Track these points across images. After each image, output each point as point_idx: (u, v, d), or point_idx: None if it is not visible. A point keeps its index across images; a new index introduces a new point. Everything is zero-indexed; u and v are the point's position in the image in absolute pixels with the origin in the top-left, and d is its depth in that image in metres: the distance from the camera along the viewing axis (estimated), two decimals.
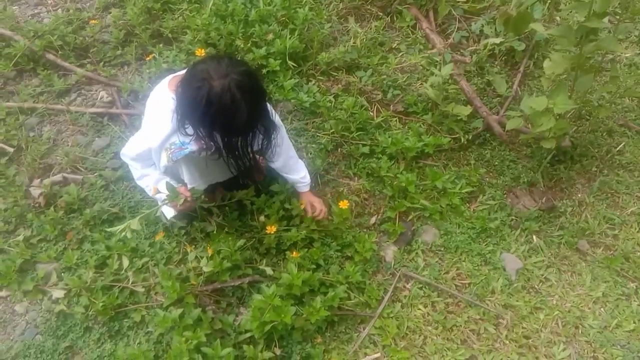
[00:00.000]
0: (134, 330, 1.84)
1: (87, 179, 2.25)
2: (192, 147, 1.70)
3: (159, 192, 1.80)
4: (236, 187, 2.07)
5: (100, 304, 1.81)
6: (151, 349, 1.74)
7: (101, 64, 2.73)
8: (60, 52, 2.70)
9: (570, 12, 3.23)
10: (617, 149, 2.82)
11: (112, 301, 1.84)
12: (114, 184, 2.24)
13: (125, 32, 2.85)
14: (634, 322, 2.10)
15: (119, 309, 1.86)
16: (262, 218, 2.08)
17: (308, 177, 2.20)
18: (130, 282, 1.90)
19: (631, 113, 3.02)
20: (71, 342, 1.80)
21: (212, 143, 1.67)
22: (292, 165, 2.14)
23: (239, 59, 1.83)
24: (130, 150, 1.85)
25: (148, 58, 2.68)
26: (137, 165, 1.87)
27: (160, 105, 1.75)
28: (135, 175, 1.91)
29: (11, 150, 2.30)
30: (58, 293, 1.88)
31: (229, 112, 1.55)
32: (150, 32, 2.83)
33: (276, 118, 1.92)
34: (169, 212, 1.96)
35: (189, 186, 1.86)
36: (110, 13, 2.99)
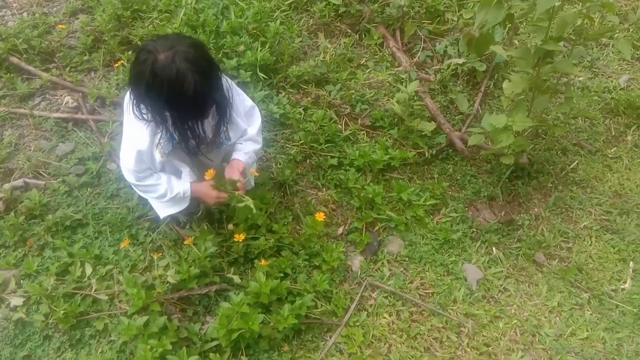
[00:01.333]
0: (97, 339, 1.80)
1: (49, 184, 2.20)
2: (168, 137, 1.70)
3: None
4: None
5: (62, 312, 1.76)
6: (114, 358, 1.70)
7: (67, 69, 2.69)
8: (24, 56, 2.65)
9: (529, 36, 3.41)
10: (571, 166, 2.97)
11: (74, 309, 1.79)
12: (77, 190, 2.20)
13: (93, 38, 2.82)
14: (587, 331, 2.20)
15: (81, 317, 1.82)
16: (230, 226, 2.08)
17: (254, 151, 2.04)
18: (93, 290, 1.86)
19: (584, 133, 3.19)
20: (29, 351, 1.75)
21: (162, 122, 1.64)
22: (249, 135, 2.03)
23: (185, 34, 1.77)
24: (127, 162, 1.79)
25: (116, 65, 2.66)
26: (146, 181, 1.82)
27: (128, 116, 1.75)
28: (153, 195, 1.87)
29: None
30: (16, 300, 1.82)
31: (175, 84, 1.52)
32: (119, 39, 2.81)
33: (234, 91, 1.88)
34: (162, 211, 1.93)
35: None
36: (77, 19, 2.96)
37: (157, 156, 1.75)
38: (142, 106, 1.66)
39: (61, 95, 2.58)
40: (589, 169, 2.99)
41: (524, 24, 3.46)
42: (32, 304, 1.83)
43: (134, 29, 2.85)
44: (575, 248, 2.57)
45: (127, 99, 1.80)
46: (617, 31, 3.53)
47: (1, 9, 3.00)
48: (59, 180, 2.23)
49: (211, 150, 1.90)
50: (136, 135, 1.72)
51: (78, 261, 1.92)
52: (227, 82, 1.82)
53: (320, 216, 2.16)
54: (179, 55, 1.52)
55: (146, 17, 2.95)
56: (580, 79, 3.49)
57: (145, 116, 1.67)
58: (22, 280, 1.89)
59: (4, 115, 2.42)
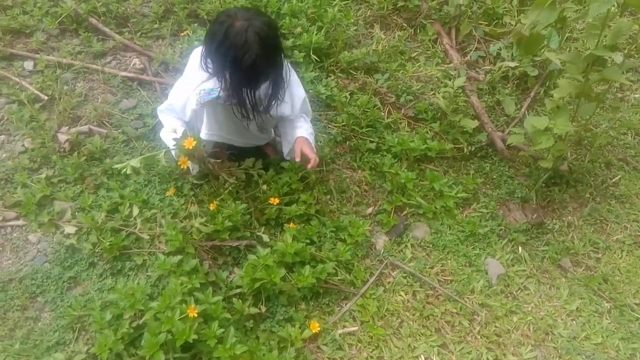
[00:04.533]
0: (135, 271, 1.99)
1: (110, 133, 2.42)
2: (220, 93, 1.87)
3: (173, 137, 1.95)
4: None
5: (108, 243, 1.96)
6: (148, 289, 1.88)
7: (138, 34, 2.92)
8: (102, 18, 2.90)
9: (583, 42, 3.38)
10: (613, 180, 2.94)
11: (119, 242, 1.99)
12: (135, 140, 2.41)
13: (164, 8, 3.04)
14: (602, 337, 2.20)
15: (124, 251, 2.02)
16: (264, 187, 2.23)
17: (310, 126, 2.26)
18: (137, 229, 2.05)
19: (631, 150, 3.14)
20: (75, 273, 1.96)
21: (221, 79, 1.83)
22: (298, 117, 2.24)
23: (265, 12, 1.98)
24: (169, 99, 2.04)
25: (182, 34, 2.87)
26: (168, 118, 2.03)
27: (190, 66, 1.94)
28: (162, 131, 2.07)
29: (45, 98, 2.48)
30: (70, 229, 2.03)
31: (240, 50, 1.71)
32: (188, 11, 3.02)
33: (292, 77, 2.08)
34: (193, 167, 2.13)
35: (203, 136, 2.02)
36: None
37: (192, 102, 1.92)
38: (208, 60, 1.84)
39: (130, 57, 2.82)
40: (632, 185, 2.94)
41: (578, 30, 3.44)
42: (83, 234, 2.05)
43: (202, 4, 3.06)
44: (604, 259, 2.56)
45: (195, 53, 2.00)
46: None
47: None
48: (119, 130, 2.45)
49: (257, 118, 2.06)
50: (190, 82, 1.92)
51: (127, 202, 2.12)
52: (288, 67, 2.02)
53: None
54: (252, 27, 1.71)
55: None
56: (637, 95, 3.42)
57: (209, 70, 1.85)
58: (76, 213, 2.11)
59: (78, 69, 2.67)
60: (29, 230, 2.06)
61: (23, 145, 2.29)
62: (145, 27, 2.97)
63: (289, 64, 2.07)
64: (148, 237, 2.05)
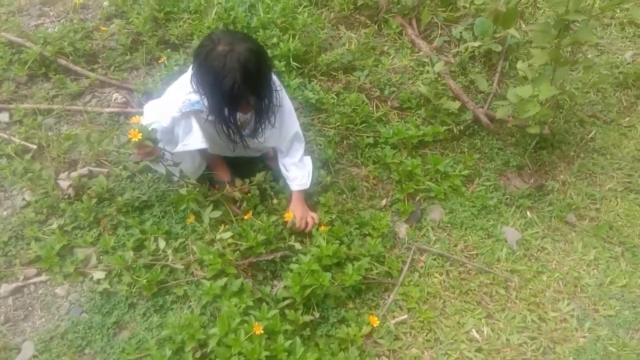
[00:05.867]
0: (178, 304, 1.92)
1: (112, 171, 2.33)
2: (202, 107, 1.85)
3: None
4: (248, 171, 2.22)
5: (145, 280, 1.88)
6: (196, 318, 1.82)
7: (111, 68, 2.83)
8: (71, 58, 2.79)
9: (543, 12, 3.59)
10: (590, 136, 3.14)
11: (155, 277, 1.91)
12: (139, 174, 2.33)
13: (132, 39, 2.96)
14: (625, 279, 2.34)
15: (162, 285, 1.94)
16: (275, 201, 2.23)
17: (306, 177, 2.24)
18: (169, 260, 1.98)
19: (598, 105, 3.36)
20: (117, 317, 1.86)
21: (203, 100, 1.82)
22: (293, 147, 2.23)
23: (253, 38, 1.95)
24: (153, 105, 1.98)
25: (160, 61, 2.81)
26: (151, 114, 1.94)
27: (186, 75, 1.92)
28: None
29: (33, 147, 2.36)
30: (99, 274, 1.94)
31: (218, 74, 1.68)
32: (157, 39, 2.95)
33: (284, 101, 2.06)
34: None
35: (197, 145, 1.95)
36: (113, 23, 3.11)
37: (174, 109, 1.86)
38: (195, 80, 1.82)
39: (109, 92, 2.72)
40: (607, 138, 3.15)
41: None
42: (114, 276, 1.95)
43: (169, 29, 3.01)
44: (603, 208, 2.72)
45: (183, 77, 1.97)
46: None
47: (39, 17, 3.14)
48: (120, 167, 2.36)
49: (244, 142, 2.03)
50: (175, 95, 1.89)
51: (151, 237, 2.04)
52: (280, 95, 1.99)
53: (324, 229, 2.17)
54: (232, 53, 1.68)
55: (179, 17, 3.10)
56: (589, 55, 3.67)
57: (194, 86, 1.82)
58: (101, 256, 2.01)
59: (59, 113, 2.55)
60: (55, 284, 1.94)
61: (24, 199, 2.16)
62: (117, 60, 2.88)
63: (283, 92, 2.04)
64: (182, 266, 1.98)
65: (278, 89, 1.96)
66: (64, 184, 2.19)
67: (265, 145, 2.22)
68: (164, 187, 2.30)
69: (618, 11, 4.09)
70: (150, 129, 1.78)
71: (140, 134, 1.75)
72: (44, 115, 2.53)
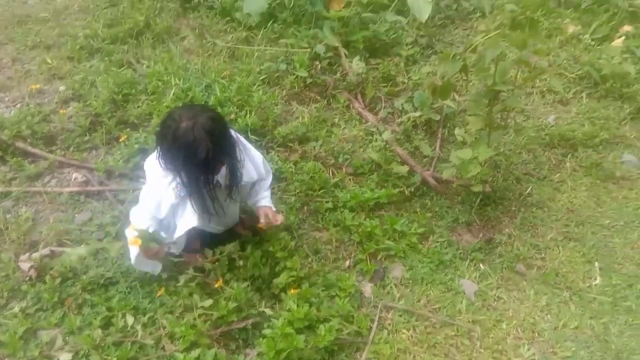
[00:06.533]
0: None
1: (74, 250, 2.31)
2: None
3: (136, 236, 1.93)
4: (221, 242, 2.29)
5: (114, 358, 1.84)
6: None
7: (70, 149, 2.87)
8: (28, 141, 2.81)
9: (474, 83, 3.98)
10: (527, 191, 3.41)
11: (125, 354, 1.87)
12: (102, 251, 2.32)
13: (90, 120, 3.03)
14: (576, 321, 2.50)
15: None
16: (241, 262, 2.30)
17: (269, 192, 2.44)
18: (139, 336, 1.95)
19: (530, 164, 3.68)
20: None
21: (179, 179, 1.93)
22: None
23: (209, 106, 2.11)
24: (140, 202, 2.04)
25: (121, 140, 2.87)
26: (138, 217, 2.01)
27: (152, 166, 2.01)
28: (127, 229, 2.05)
29: None
30: (65, 356, 1.87)
31: (190, 148, 1.81)
32: (116, 119, 3.04)
33: (245, 144, 2.24)
34: (155, 267, 2.11)
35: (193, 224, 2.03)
36: (69, 106, 3.17)
37: (171, 196, 1.96)
38: (164, 161, 1.92)
39: (69, 172, 2.74)
40: (542, 193, 3.44)
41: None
42: (81, 357, 1.89)
43: (127, 110, 3.10)
44: (547, 257, 2.93)
45: (150, 160, 2.06)
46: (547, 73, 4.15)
47: None
48: (82, 245, 2.34)
49: (224, 203, 2.16)
50: (160, 185, 1.96)
51: (119, 313, 2.01)
52: (237, 140, 2.15)
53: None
54: (197, 125, 1.82)
55: (137, 99, 3.22)
56: (518, 120, 4.07)
57: (167, 167, 1.92)
58: (67, 337, 1.95)
59: (17, 195, 2.53)
60: None
61: None
62: (76, 141, 2.92)
63: (236, 135, 2.19)
64: (152, 342, 1.95)
65: (236, 140, 2.11)
66: (24, 265, 2.15)
67: (247, 186, 2.34)
68: (129, 263, 2.29)
69: (538, 81, 4.59)
70: (150, 231, 1.86)
71: (140, 240, 1.85)
72: (1, 199, 2.50)
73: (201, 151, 1.81)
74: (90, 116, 3.04)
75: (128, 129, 2.99)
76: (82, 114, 3.06)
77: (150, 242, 1.88)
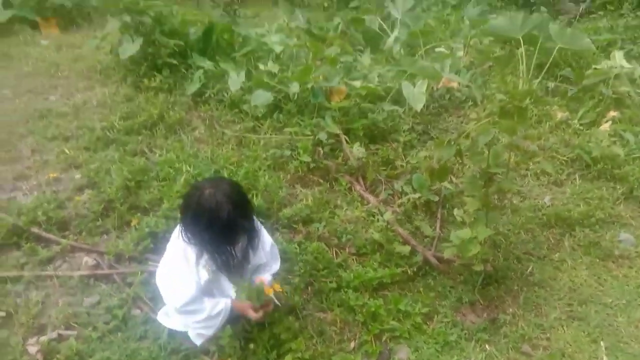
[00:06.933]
0: None
1: (82, 333, 2.34)
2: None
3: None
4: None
5: None
6: None
7: (82, 234, 2.97)
8: (43, 227, 2.92)
9: (469, 167, 4.15)
10: (528, 271, 3.46)
11: None
12: (109, 334, 2.35)
13: (103, 206, 3.16)
14: None
15: None
16: (251, 346, 2.33)
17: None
18: None
19: (530, 244, 3.76)
20: None
21: (203, 245, 2.08)
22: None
23: (229, 178, 2.33)
24: (178, 295, 2.16)
25: (132, 224, 2.99)
26: (191, 306, 2.13)
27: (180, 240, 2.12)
28: (197, 318, 2.18)
29: (2, 314, 2.36)
30: None
31: (213, 211, 2.00)
32: (128, 204, 3.17)
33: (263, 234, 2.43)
34: (196, 338, 2.15)
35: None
36: (84, 193, 3.32)
37: (204, 274, 2.07)
38: (188, 233, 2.05)
39: (79, 256, 2.82)
40: (543, 272, 3.48)
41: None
42: None
43: (139, 196, 3.25)
44: (552, 337, 2.92)
45: (172, 243, 2.18)
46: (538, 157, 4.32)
47: (12, 191, 3.32)
48: (90, 328, 2.37)
49: (239, 270, 2.29)
50: (188, 265, 2.06)
51: None
52: (257, 222, 2.36)
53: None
54: (219, 190, 2.04)
55: (149, 185, 3.37)
56: (514, 201, 4.19)
57: (192, 241, 2.05)
58: None
59: (29, 279, 2.60)
60: None
61: None
62: (88, 225, 3.03)
63: (256, 220, 2.39)
64: None
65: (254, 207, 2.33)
66: (32, 349, 2.19)
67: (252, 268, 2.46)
68: (134, 346, 2.32)
69: (532, 164, 4.78)
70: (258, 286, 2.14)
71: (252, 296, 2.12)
72: (13, 283, 2.57)
73: (222, 214, 1.99)
74: (103, 202, 3.18)
75: (139, 214, 3.11)
76: (95, 200, 3.20)
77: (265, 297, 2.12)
